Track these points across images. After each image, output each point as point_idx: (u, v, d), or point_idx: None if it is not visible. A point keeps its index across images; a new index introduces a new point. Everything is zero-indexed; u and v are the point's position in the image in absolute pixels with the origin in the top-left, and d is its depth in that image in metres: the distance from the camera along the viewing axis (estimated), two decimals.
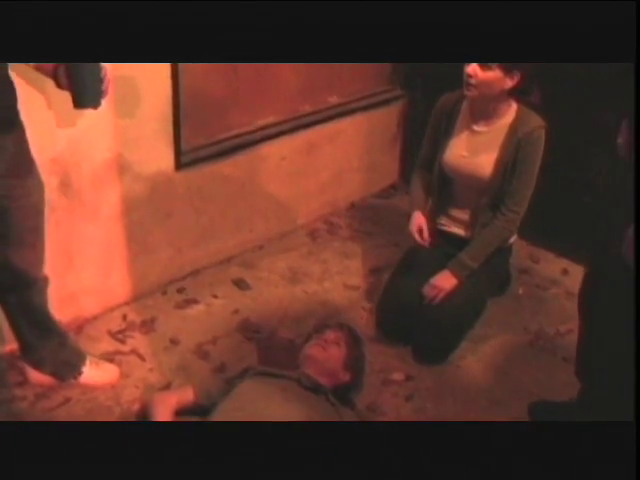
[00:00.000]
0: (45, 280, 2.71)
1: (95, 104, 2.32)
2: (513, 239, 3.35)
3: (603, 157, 2.72)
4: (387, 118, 4.47)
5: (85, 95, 2.28)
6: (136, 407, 2.85)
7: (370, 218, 4.32)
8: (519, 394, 2.99)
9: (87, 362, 2.94)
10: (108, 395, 2.91)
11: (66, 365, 2.91)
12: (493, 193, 3.15)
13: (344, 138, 4.18)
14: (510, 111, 3.10)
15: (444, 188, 3.32)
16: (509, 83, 2.96)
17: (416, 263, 3.34)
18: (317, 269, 3.83)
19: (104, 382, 2.94)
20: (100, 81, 2.28)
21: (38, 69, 2.40)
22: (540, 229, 3.79)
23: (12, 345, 2.93)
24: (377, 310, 3.40)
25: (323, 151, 4.12)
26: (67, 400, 2.87)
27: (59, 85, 2.33)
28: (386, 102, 4.40)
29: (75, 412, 2.82)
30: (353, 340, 2.94)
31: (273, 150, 3.81)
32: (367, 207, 4.47)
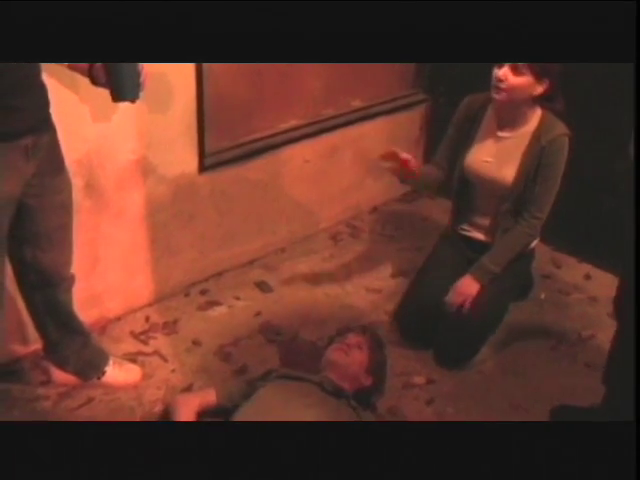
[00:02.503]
0: (71, 279, 2.74)
1: (134, 97, 2.34)
2: (535, 243, 3.33)
3: (624, 161, 2.70)
4: (410, 122, 4.47)
5: (124, 88, 2.31)
6: (158, 408, 2.87)
7: (392, 222, 4.32)
8: (540, 399, 2.98)
9: (110, 363, 2.96)
10: (130, 396, 2.93)
11: (89, 365, 2.93)
12: (515, 199, 3.13)
13: (367, 142, 4.18)
14: (534, 118, 3.08)
15: (465, 193, 3.31)
16: (539, 89, 2.95)
17: (438, 267, 3.34)
18: (339, 272, 3.84)
19: (127, 382, 2.96)
20: (138, 74, 2.30)
21: (72, 69, 2.42)
22: (563, 234, 3.78)
23: (36, 345, 2.96)
24: (399, 314, 3.40)
25: (346, 154, 4.12)
26: (90, 400, 2.89)
27: (95, 82, 2.36)
28: (409, 106, 4.40)
29: (98, 412, 2.84)
30: (375, 344, 2.94)
31: (296, 153, 3.83)
32: (389, 211, 4.47)
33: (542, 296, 3.66)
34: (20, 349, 3.03)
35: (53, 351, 2.88)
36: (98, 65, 2.32)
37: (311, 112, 3.87)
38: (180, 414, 2.68)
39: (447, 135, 3.34)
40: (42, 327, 2.82)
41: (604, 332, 3.27)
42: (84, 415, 2.81)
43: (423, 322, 3.24)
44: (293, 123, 3.79)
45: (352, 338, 2.89)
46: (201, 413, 2.73)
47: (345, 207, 4.30)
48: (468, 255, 3.29)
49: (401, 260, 3.92)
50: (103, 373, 2.94)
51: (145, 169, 3.11)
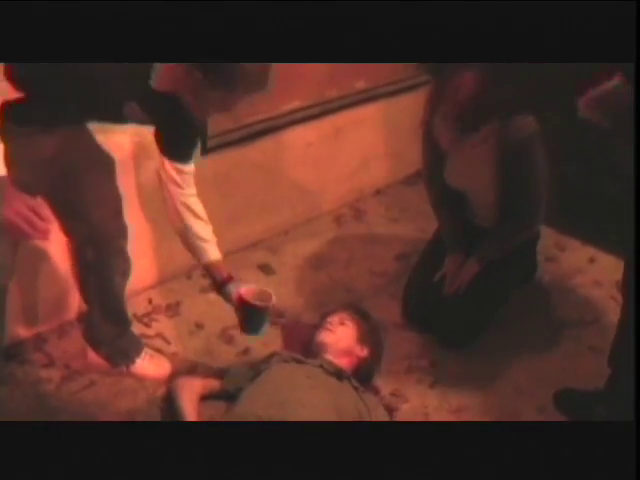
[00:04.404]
0: (127, 263, 2.78)
1: (261, 333, 2.69)
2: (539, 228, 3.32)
3: (627, 146, 2.68)
4: (414, 104, 4.43)
5: (253, 325, 2.64)
6: (161, 391, 2.87)
7: (396, 204, 4.30)
8: (544, 382, 2.98)
9: (142, 354, 2.97)
10: (133, 379, 2.93)
11: (122, 353, 2.94)
12: (501, 205, 3.11)
13: (371, 124, 4.16)
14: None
15: (454, 198, 3.27)
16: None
17: (441, 250, 3.32)
18: (343, 255, 3.83)
19: (154, 375, 2.96)
20: (268, 315, 2.63)
21: None
22: (567, 217, 3.77)
23: (39, 328, 2.96)
24: (403, 297, 3.39)
25: (350, 137, 4.10)
26: (92, 383, 2.89)
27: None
28: (413, 88, 4.37)
29: (100, 395, 2.85)
30: (359, 315, 2.98)
31: (299, 135, 3.81)
32: (393, 193, 4.45)
33: (546, 279, 3.64)
34: (23, 332, 3.03)
35: (92, 332, 2.91)
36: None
37: (314, 94, 3.85)
38: (183, 397, 2.68)
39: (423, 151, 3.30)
40: (89, 307, 2.86)
41: (608, 315, 3.27)
42: (87, 398, 2.82)
43: (427, 305, 3.23)
44: (296, 105, 3.77)
45: (333, 317, 2.95)
46: (204, 396, 2.74)
47: (349, 189, 4.28)
48: (471, 240, 3.27)
49: (405, 243, 3.91)
50: (133, 362, 2.95)
51: (148, 150, 3.09)
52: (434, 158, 3.21)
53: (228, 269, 2.69)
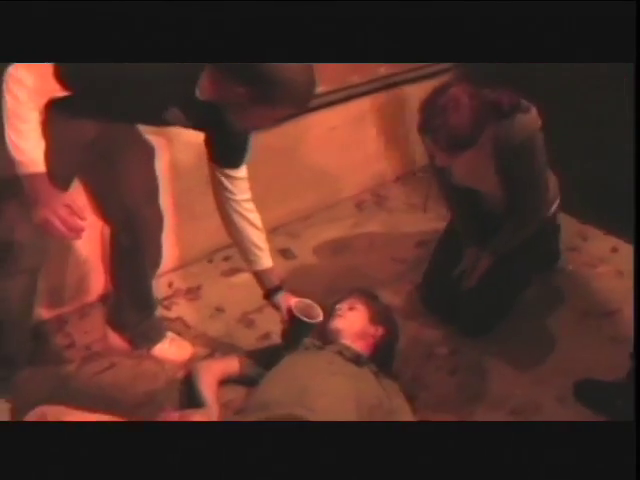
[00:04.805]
0: (159, 253, 2.81)
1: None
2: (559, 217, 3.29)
3: None
4: None
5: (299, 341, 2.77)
6: (181, 374, 2.88)
7: (417, 191, 4.28)
8: (564, 372, 2.96)
9: (164, 339, 2.99)
10: (154, 361, 2.94)
11: (144, 336, 2.96)
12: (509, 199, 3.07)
13: (393, 109, 4.14)
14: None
15: (466, 193, 3.21)
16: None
17: (457, 241, 3.30)
18: (363, 241, 3.82)
19: (174, 358, 2.97)
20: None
21: None
22: (590, 207, 3.74)
23: (60, 309, 2.97)
24: (422, 284, 3.39)
25: (372, 122, 4.09)
26: (113, 365, 2.91)
27: None
28: (435, 74, 4.34)
29: (120, 377, 2.87)
30: (367, 298, 2.99)
31: (322, 120, 3.80)
32: (415, 180, 4.43)
33: (569, 268, 3.62)
34: (45, 312, 3.05)
35: (117, 316, 2.95)
36: None
37: (337, 79, 3.83)
38: (203, 380, 2.69)
39: None
40: (116, 291, 2.88)
41: (630, 306, 3.22)
42: (107, 380, 2.84)
43: (447, 292, 3.22)
44: (320, 89, 3.75)
45: (342, 304, 2.95)
46: (223, 380, 2.75)
47: (370, 175, 4.27)
48: (484, 228, 3.23)
49: (426, 229, 3.89)
50: (154, 345, 2.97)
51: (169, 134, 3.10)
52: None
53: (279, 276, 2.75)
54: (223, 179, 2.50)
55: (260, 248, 2.65)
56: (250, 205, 2.59)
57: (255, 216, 2.61)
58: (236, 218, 2.58)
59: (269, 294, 2.73)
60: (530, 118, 2.87)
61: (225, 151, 2.48)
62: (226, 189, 2.53)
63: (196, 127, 2.40)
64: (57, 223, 2.01)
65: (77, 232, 2.06)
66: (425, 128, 2.75)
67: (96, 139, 2.36)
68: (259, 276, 2.72)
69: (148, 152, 2.65)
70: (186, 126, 2.36)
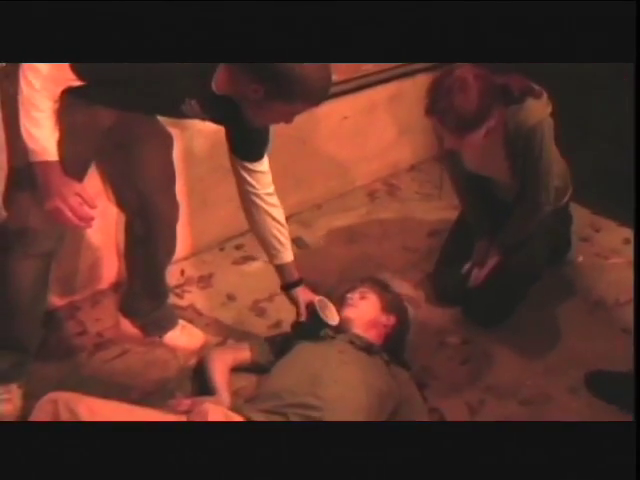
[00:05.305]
0: (173, 242, 2.81)
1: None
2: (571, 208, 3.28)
3: None
4: None
5: None
6: (192, 362, 2.89)
7: (430, 180, 4.28)
8: (576, 362, 2.96)
9: (176, 327, 3.00)
10: (166, 348, 2.95)
11: (156, 324, 2.97)
12: (517, 188, 3.06)
13: (406, 99, 4.13)
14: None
15: (477, 181, 3.22)
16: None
17: (467, 232, 3.31)
18: (375, 230, 3.83)
19: (186, 346, 2.98)
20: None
21: None
22: (602, 197, 3.72)
23: (72, 297, 2.98)
24: (434, 273, 3.39)
25: (385, 111, 4.08)
26: (124, 352, 2.92)
27: None
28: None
29: (132, 364, 2.88)
30: (378, 286, 2.98)
31: (335, 109, 3.79)
32: (427, 169, 4.42)
33: (580, 259, 3.61)
34: (57, 300, 3.06)
35: (130, 303, 2.95)
36: None
37: (351, 68, 3.82)
38: (214, 368, 2.70)
39: None
40: (130, 279, 2.89)
41: None
42: (119, 367, 2.85)
43: (458, 282, 3.22)
44: (332, 79, 3.74)
45: (354, 293, 2.93)
46: (235, 368, 2.75)
47: (383, 164, 4.27)
48: (495, 217, 3.23)
49: (438, 219, 3.89)
50: (166, 333, 2.98)
51: (183, 123, 3.10)
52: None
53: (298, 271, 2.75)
54: (244, 172, 2.50)
55: (281, 243, 2.65)
56: (273, 199, 2.59)
57: (278, 211, 2.61)
58: (258, 211, 2.58)
59: (288, 287, 2.73)
60: (541, 103, 2.87)
61: (244, 144, 2.47)
62: (247, 182, 2.52)
63: (214, 120, 2.40)
64: (67, 212, 2.02)
65: (87, 221, 2.07)
66: (432, 110, 2.74)
67: (113, 127, 2.35)
68: (280, 270, 2.72)
69: (166, 141, 2.64)
70: (203, 119, 2.36)
